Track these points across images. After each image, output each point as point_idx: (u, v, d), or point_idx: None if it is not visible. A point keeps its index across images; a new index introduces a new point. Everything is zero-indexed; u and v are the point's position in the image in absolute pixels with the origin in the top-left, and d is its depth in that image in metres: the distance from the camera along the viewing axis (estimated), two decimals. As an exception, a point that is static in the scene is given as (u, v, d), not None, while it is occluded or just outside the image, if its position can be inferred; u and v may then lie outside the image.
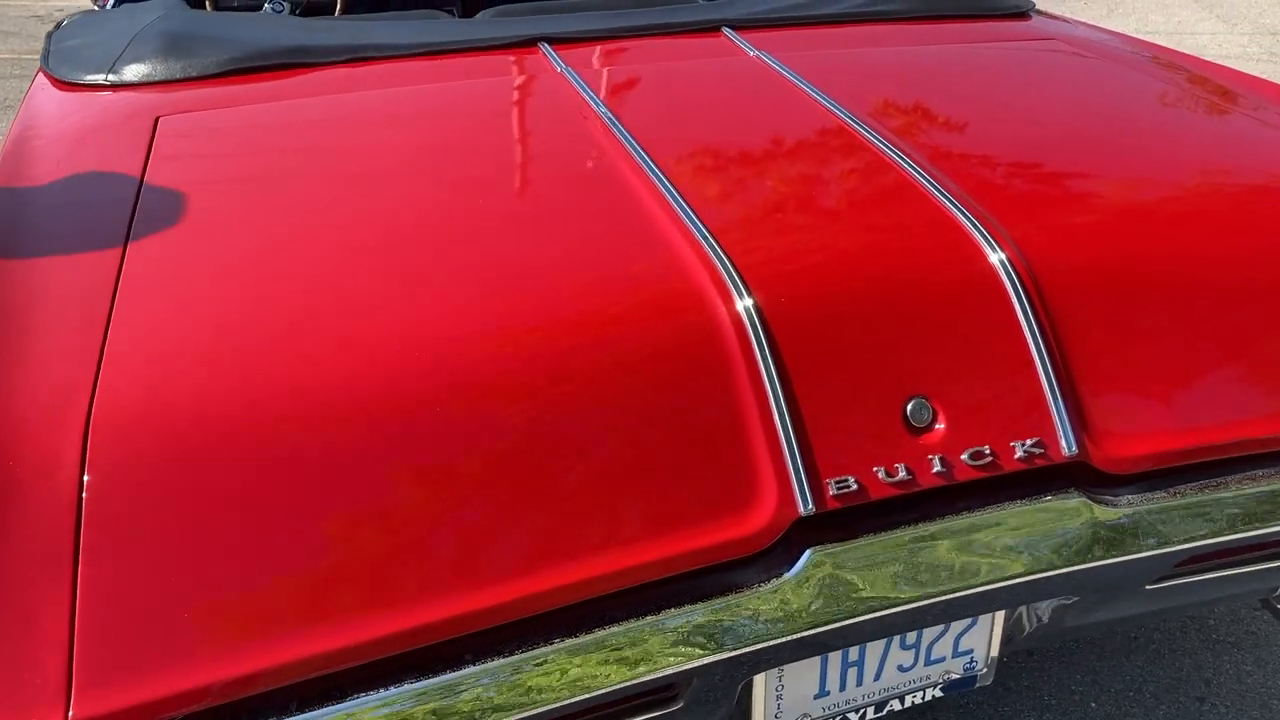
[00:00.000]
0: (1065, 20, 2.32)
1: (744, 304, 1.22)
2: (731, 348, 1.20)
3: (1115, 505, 1.28)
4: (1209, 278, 1.37)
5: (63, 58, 1.89)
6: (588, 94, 1.66)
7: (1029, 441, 1.25)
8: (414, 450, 1.09)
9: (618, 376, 1.18)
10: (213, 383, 1.11)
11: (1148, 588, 1.39)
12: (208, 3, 3.63)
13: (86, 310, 1.19)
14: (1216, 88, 1.89)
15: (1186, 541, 1.29)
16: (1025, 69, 1.94)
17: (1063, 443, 1.26)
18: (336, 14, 3.70)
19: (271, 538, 1.04)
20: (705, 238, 1.29)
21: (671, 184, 1.40)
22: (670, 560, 1.14)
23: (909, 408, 1.24)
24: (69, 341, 1.15)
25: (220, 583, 1.01)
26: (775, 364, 1.20)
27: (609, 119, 1.57)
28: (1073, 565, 1.26)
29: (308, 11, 3.77)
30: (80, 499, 1.00)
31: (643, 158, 1.46)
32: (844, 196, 1.43)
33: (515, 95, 1.74)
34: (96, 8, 3.12)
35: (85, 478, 1.01)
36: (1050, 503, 1.26)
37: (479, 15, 2.29)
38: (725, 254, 1.27)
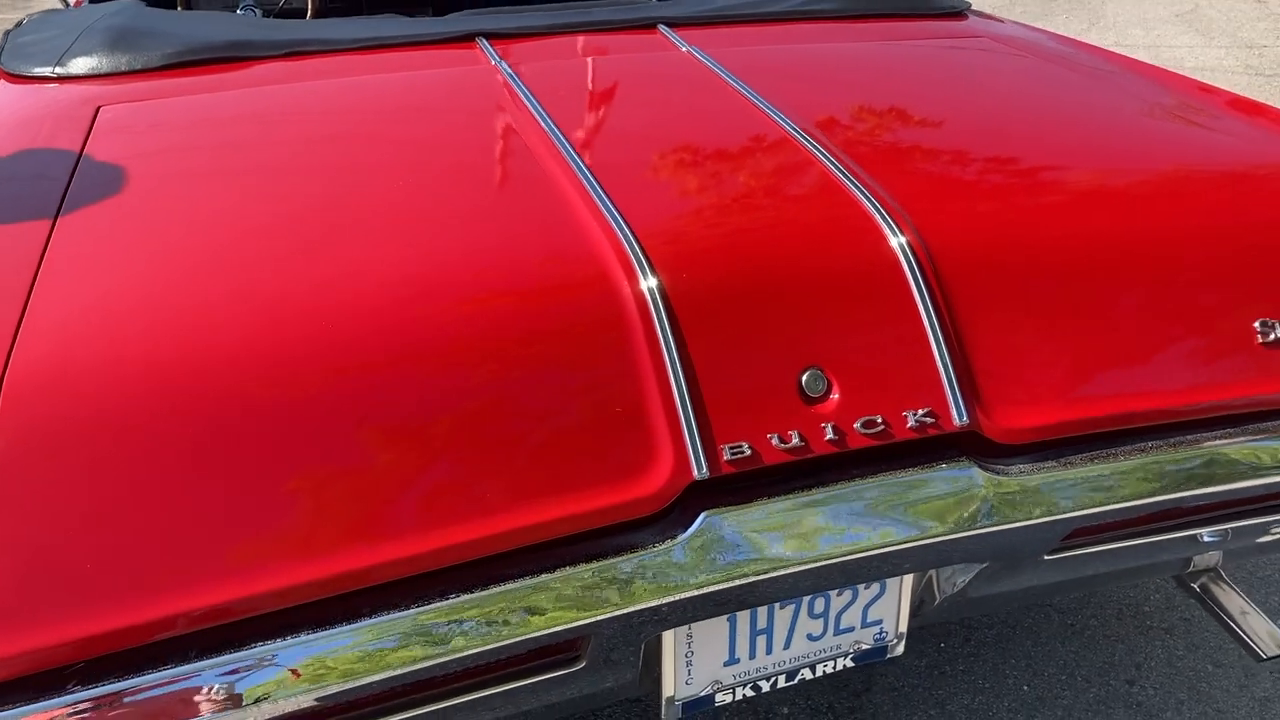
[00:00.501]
0: (999, 20, 2.38)
1: (648, 282, 1.26)
2: (633, 321, 1.25)
3: (1006, 474, 1.32)
4: (1101, 259, 1.42)
5: (14, 52, 1.95)
6: (516, 85, 1.71)
7: (921, 411, 1.30)
8: (313, 412, 1.14)
9: (524, 346, 1.22)
10: (125, 349, 1.15)
11: (1047, 558, 1.43)
12: (179, 4, 3.70)
13: (10, 281, 1.24)
14: (1138, 83, 1.95)
15: (1076, 510, 1.34)
16: (948, 64, 1.99)
17: (954, 413, 1.30)
18: (308, 18, 3.77)
19: (167, 494, 1.08)
20: (615, 219, 1.34)
21: (587, 168, 1.45)
22: (568, 519, 1.19)
23: (804, 378, 1.28)
24: None
25: (114, 537, 1.06)
26: (675, 337, 1.25)
27: (534, 108, 1.63)
28: (964, 531, 1.30)
29: (281, 16, 3.83)
30: None
31: (562, 144, 1.52)
32: (753, 181, 1.48)
33: (445, 86, 1.79)
34: (61, 6, 3.18)
35: None
36: (942, 470, 1.31)
37: (451, 16, 2.34)
38: (634, 234, 1.32)
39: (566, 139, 1.53)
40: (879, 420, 1.29)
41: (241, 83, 1.79)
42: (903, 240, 1.35)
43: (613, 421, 1.23)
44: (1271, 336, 1.42)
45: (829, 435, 1.27)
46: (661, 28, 2.02)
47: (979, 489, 1.31)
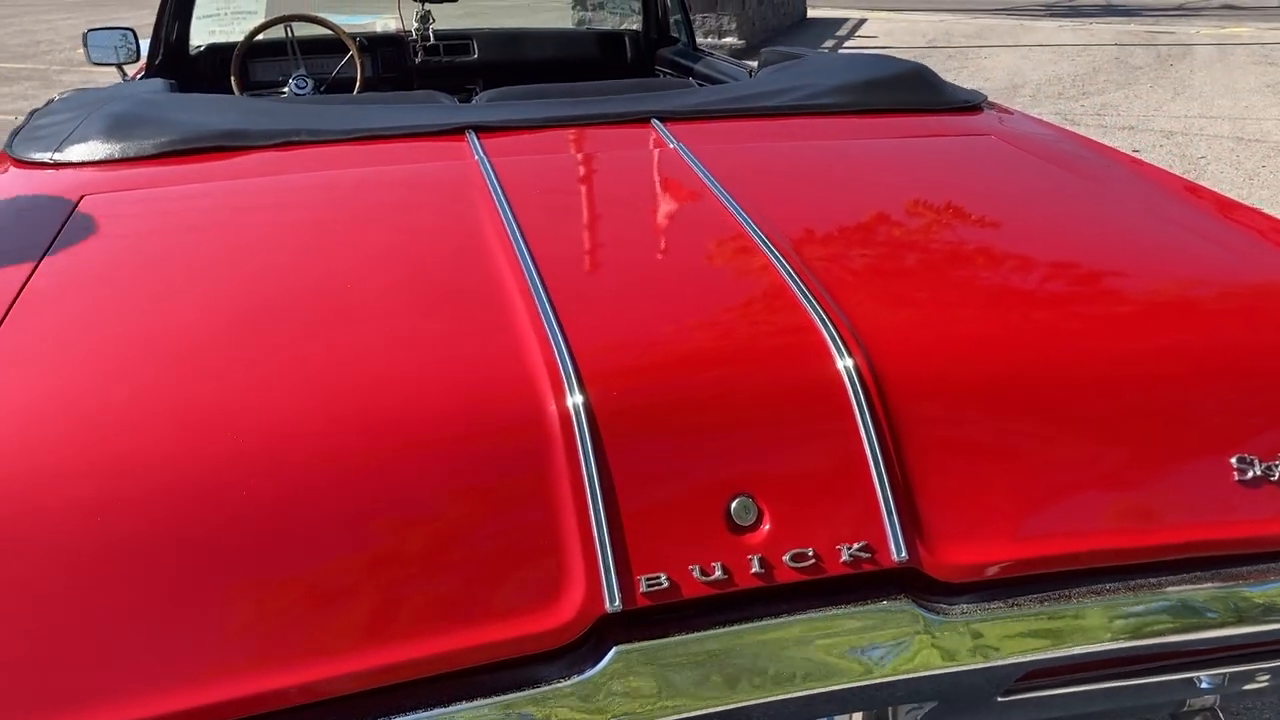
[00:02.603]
0: (1012, 114, 2.32)
1: (574, 399, 1.23)
2: (555, 440, 1.22)
3: (947, 614, 1.26)
4: (1065, 387, 1.35)
5: (24, 136, 2.00)
6: (492, 183, 1.70)
7: (856, 546, 1.24)
8: (203, 530, 1.12)
9: (436, 463, 1.19)
10: (38, 460, 1.15)
11: (1000, 700, 1.35)
12: (234, 83, 3.81)
13: None
14: (1139, 191, 1.88)
15: (1024, 654, 1.27)
16: (941, 168, 1.94)
17: (893, 548, 1.24)
18: (355, 92, 3.85)
19: (68, 614, 1.07)
20: (554, 330, 1.32)
21: (539, 275, 1.43)
22: (471, 650, 1.15)
23: (734, 506, 1.23)
24: None
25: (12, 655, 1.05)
26: (598, 457, 1.21)
27: (503, 208, 1.61)
28: (898, 675, 1.23)
29: (331, 90, 3.93)
30: None
31: (520, 248, 1.50)
32: (705, 293, 1.45)
33: (421, 183, 1.79)
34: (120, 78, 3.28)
35: None
36: (877, 609, 1.24)
37: (475, 99, 2.36)
38: (568, 347, 1.29)
39: (526, 242, 1.51)
40: (810, 554, 1.23)
41: (224, 174, 1.81)
42: (850, 363, 1.30)
43: (526, 546, 1.19)
44: (1250, 474, 1.34)
45: (755, 568, 1.22)
46: (654, 122, 2.00)
47: (917, 629, 1.24)
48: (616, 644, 1.18)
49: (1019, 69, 11.29)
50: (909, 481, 1.27)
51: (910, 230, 1.67)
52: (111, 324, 1.38)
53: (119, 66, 3.44)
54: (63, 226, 1.60)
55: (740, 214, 1.61)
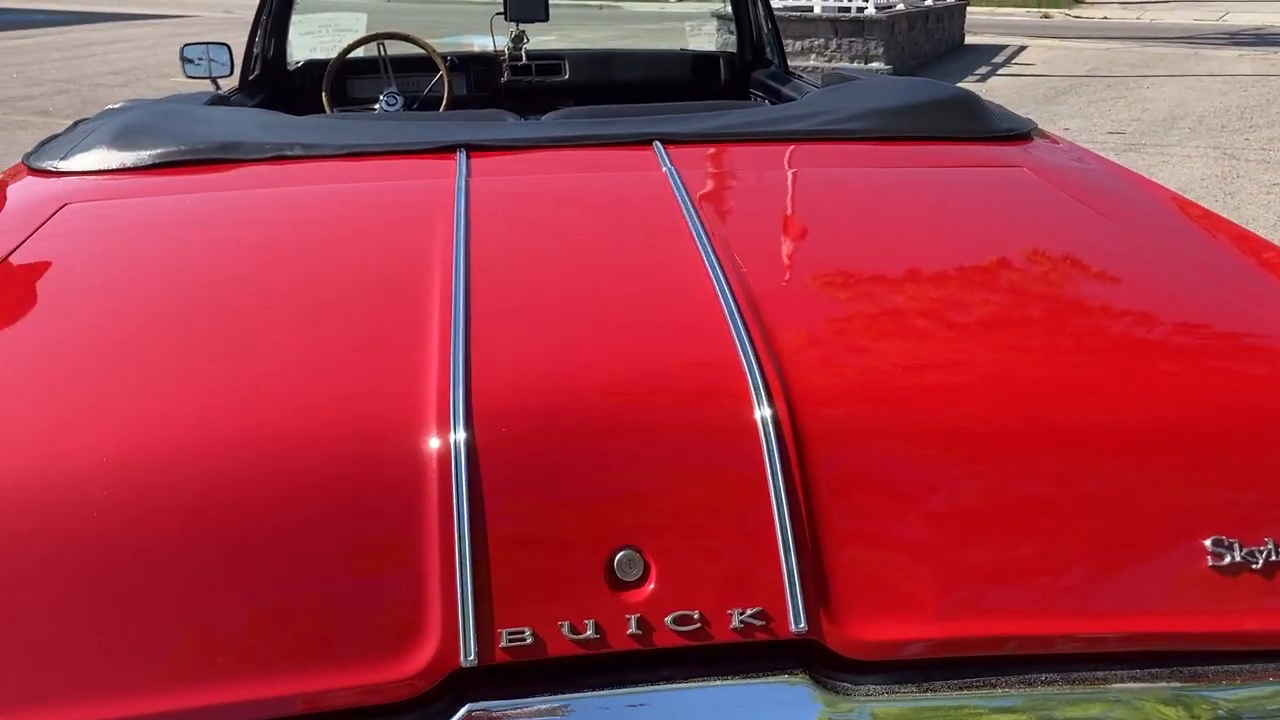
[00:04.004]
0: (1064, 146, 2.13)
1: (456, 435, 1.15)
2: (429, 477, 1.14)
3: (849, 694, 1.13)
4: (1012, 448, 1.20)
5: (46, 144, 2.05)
6: (461, 203, 1.64)
7: (749, 611, 1.12)
8: (64, 550, 1.09)
9: (300, 492, 1.13)
10: None
11: None
12: (325, 99, 3.89)
13: None
14: (1189, 244, 1.69)
15: None
16: (946, 201, 1.78)
17: (790, 616, 1.12)
18: (442, 109, 3.88)
19: None
20: (458, 359, 1.24)
21: (466, 301, 1.36)
22: (315, 695, 1.08)
23: (617, 559, 1.13)
24: None
25: None
26: (472, 497, 1.13)
27: (460, 229, 1.55)
28: None
29: (421, 108, 3.97)
30: None
31: (460, 271, 1.43)
32: (633, 326, 1.35)
33: (393, 201, 1.74)
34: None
35: None
36: (770, 682, 1.12)
37: (545, 117, 2.32)
38: (467, 379, 1.21)
39: (467, 268, 1.44)
40: (696, 616, 1.12)
41: (202, 187, 1.81)
42: (769, 413, 1.18)
43: (385, 589, 1.12)
44: (1227, 559, 1.16)
45: (632, 629, 1.11)
46: (656, 145, 1.91)
47: (811, 708, 1.11)
48: (469, 702, 1.10)
49: (1183, 99, 10.73)
50: (818, 545, 1.15)
51: (884, 269, 1.53)
52: (15, 331, 1.37)
53: (213, 80, 3.54)
54: (32, 233, 1.62)
55: (704, 245, 1.50)
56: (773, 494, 1.15)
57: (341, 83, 3.98)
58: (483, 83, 4.16)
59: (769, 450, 1.16)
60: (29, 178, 1.91)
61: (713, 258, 1.46)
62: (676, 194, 1.69)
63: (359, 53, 4.00)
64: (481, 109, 3.58)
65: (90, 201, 1.74)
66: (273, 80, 3.75)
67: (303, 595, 1.10)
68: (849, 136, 1.99)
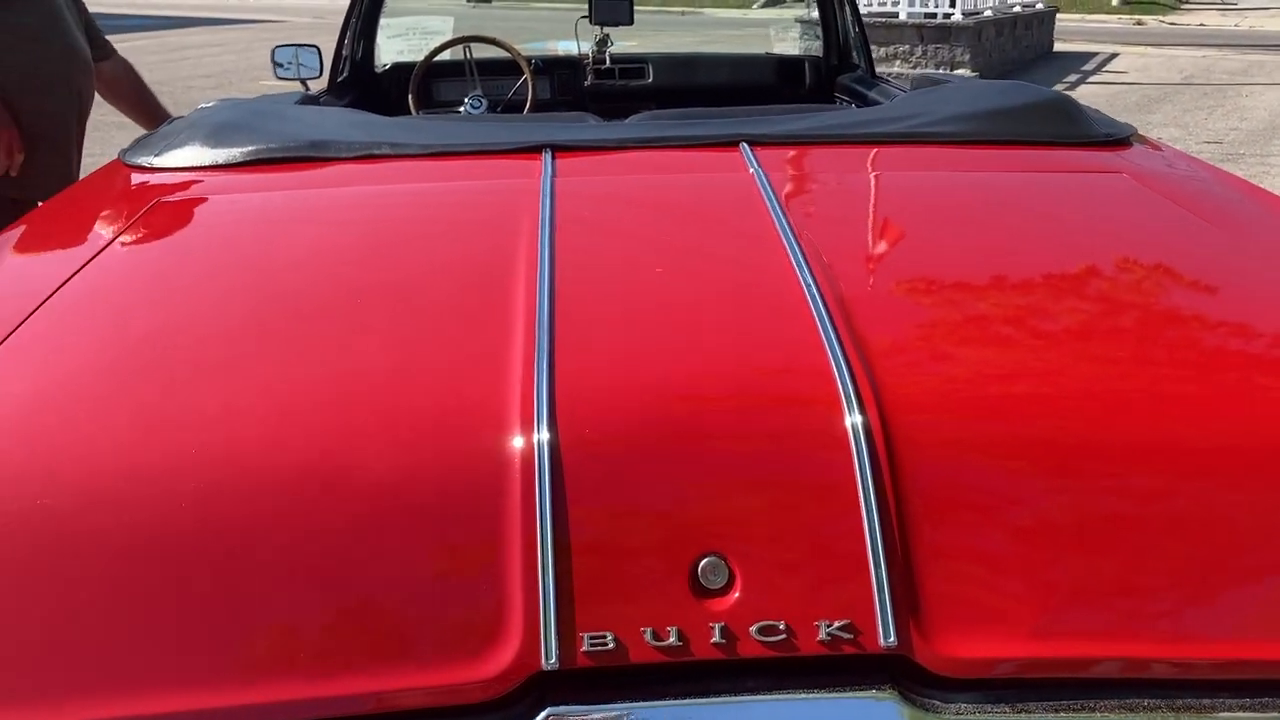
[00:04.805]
0: (1167, 152, 2.06)
1: (540, 435, 1.14)
2: (512, 478, 1.13)
3: (939, 712, 1.09)
4: (1114, 466, 1.15)
5: (140, 142, 2.09)
6: (546, 203, 1.63)
7: (836, 623, 1.09)
8: (155, 543, 1.10)
9: (382, 488, 1.13)
10: (30, 448, 1.16)
11: None
12: (411, 101, 3.93)
13: None
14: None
15: None
16: (1043, 207, 1.73)
17: (879, 630, 1.08)
18: (526, 111, 3.89)
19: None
20: (542, 360, 1.23)
21: (551, 300, 1.35)
22: (394, 693, 1.08)
23: (701, 566, 1.11)
24: None
25: None
26: (555, 499, 1.11)
27: (545, 228, 1.54)
28: None
29: (505, 110, 3.99)
30: None
31: (545, 269, 1.42)
32: (721, 329, 1.32)
33: (478, 201, 1.74)
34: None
35: None
36: (857, 697, 1.09)
37: (630, 119, 2.32)
38: (550, 379, 1.20)
39: (552, 267, 1.43)
40: (782, 627, 1.09)
41: (293, 184, 1.82)
42: (859, 420, 1.14)
43: (467, 589, 1.11)
44: (1339, 586, 1.11)
45: (716, 638, 1.09)
46: (743, 146, 1.88)
47: None
48: (550, 705, 1.08)
49: (1285, 109, 10.39)
50: (908, 557, 1.11)
51: (978, 277, 1.49)
52: (109, 324, 1.39)
53: (302, 82, 3.60)
54: (125, 228, 1.65)
55: (792, 248, 1.47)
56: (863, 504, 1.12)
57: (427, 85, 4.01)
58: (566, 86, 4.18)
59: (859, 459, 1.13)
60: (124, 173, 1.95)
61: (801, 261, 1.44)
62: (764, 196, 1.66)
63: (444, 56, 4.04)
64: (566, 111, 3.59)
65: (183, 198, 1.77)
66: (361, 82, 3.80)
67: (385, 594, 1.10)
68: (941, 140, 1.94)
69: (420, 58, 4.00)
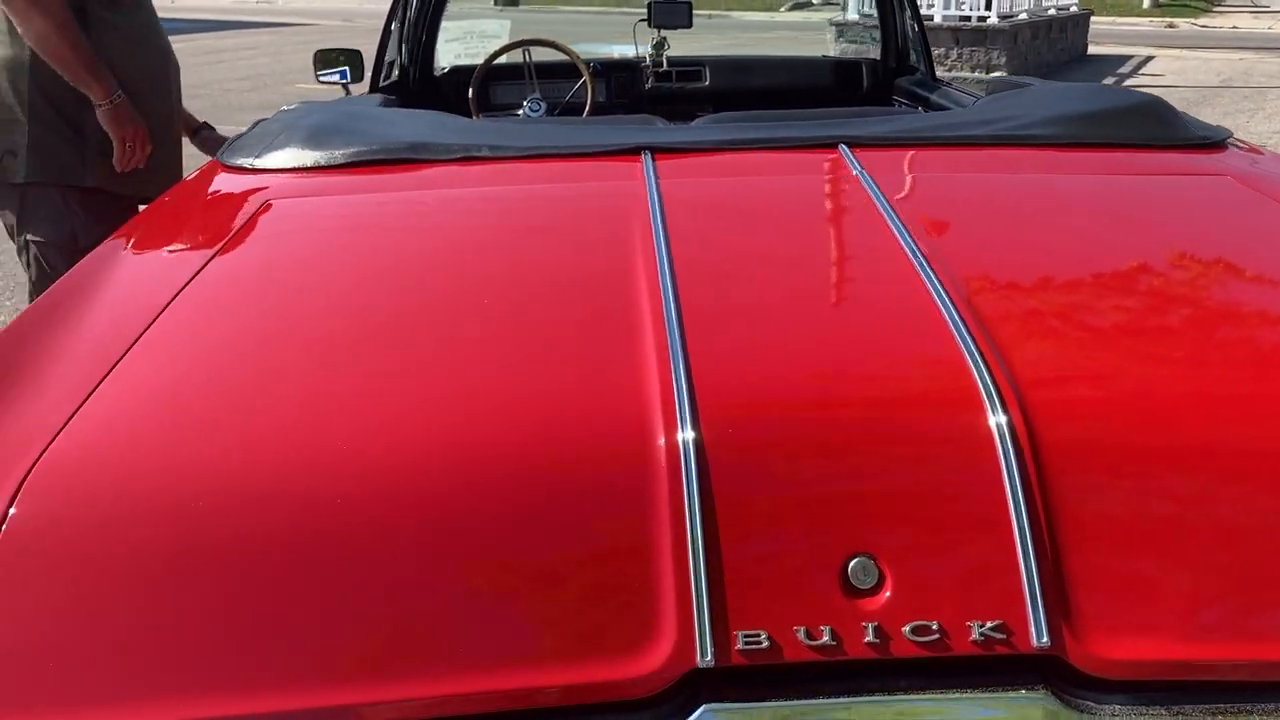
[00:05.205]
0: (1267, 156, 2.05)
1: (685, 435, 1.14)
2: (659, 478, 1.14)
3: (1094, 713, 1.09)
4: (1261, 470, 1.15)
5: (235, 144, 2.11)
6: (655, 204, 1.64)
7: (990, 624, 1.09)
8: (309, 538, 1.11)
9: (528, 486, 1.14)
10: (159, 458, 1.17)
11: None
12: (471, 103, 3.94)
13: (89, 368, 1.30)
14: None
15: None
16: (1153, 209, 1.72)
17: (1033, 631, 1.09)
18: (585, 115, 3.90)
19: (144, 615, 1.08)
20: (677, 361, 1.24)
21: (676, 299, 1.36)
22: (550, 690, 1.09)
23: (851, 566, 1.11)
24: (58, 394, 1.26)
25: (87, 646, 1.06)
26: (703, 498, 1.12)
27: (658, 230, 1.55)
28: None
29: (563, 114, 4.00)
30: None
31: (665, 269, 1.43)
32: (851, 330, 1.33)
33: (586, 202, 1.76)
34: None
35: (5, 523, 1.09)
36: (1010, 697, 1.09)
37: (695, 121, 2.32)
38: (688, 380, 1.20)
39: (671, 267, 1.44)
40: (935, 627, 1.10)
41: (400, 185, 1.84)
42: (1003, 419, 1.15)
43: (618, 587, 1.12)
44: None
45: (869, 637, 1.09)
46: (842, 148, 1.89)
47: None
48: (706, 702, 1.09)
49: (1326, 112, 10.30)
50: (1059, 557, 1.11)
51: (1102, 277, 1.49)
52: (254, 324, 1.41)
53: (344, 85, 3.61)
54: (241, 227, 1.67)
55: (911, 247, 1.48)
56: (1010, 504, 1.12)
57: (484, 88, 4.03)
58: (623, 89, 4.19)
59: (1005, 459, 1.13)
60: (227, 174, 1.97)
61: (923, 262, 1.44)
62: (873, 197, 1.66)
63: (501, 60, 4.05)
64: (627, 114, 3.60)
65: (292, 198, 1.79)
66: (406, 85, 3.82)
67: (539, 592, 1.11)
68: (1039, 142, 1.95)
69: (477, 60, 4.02)
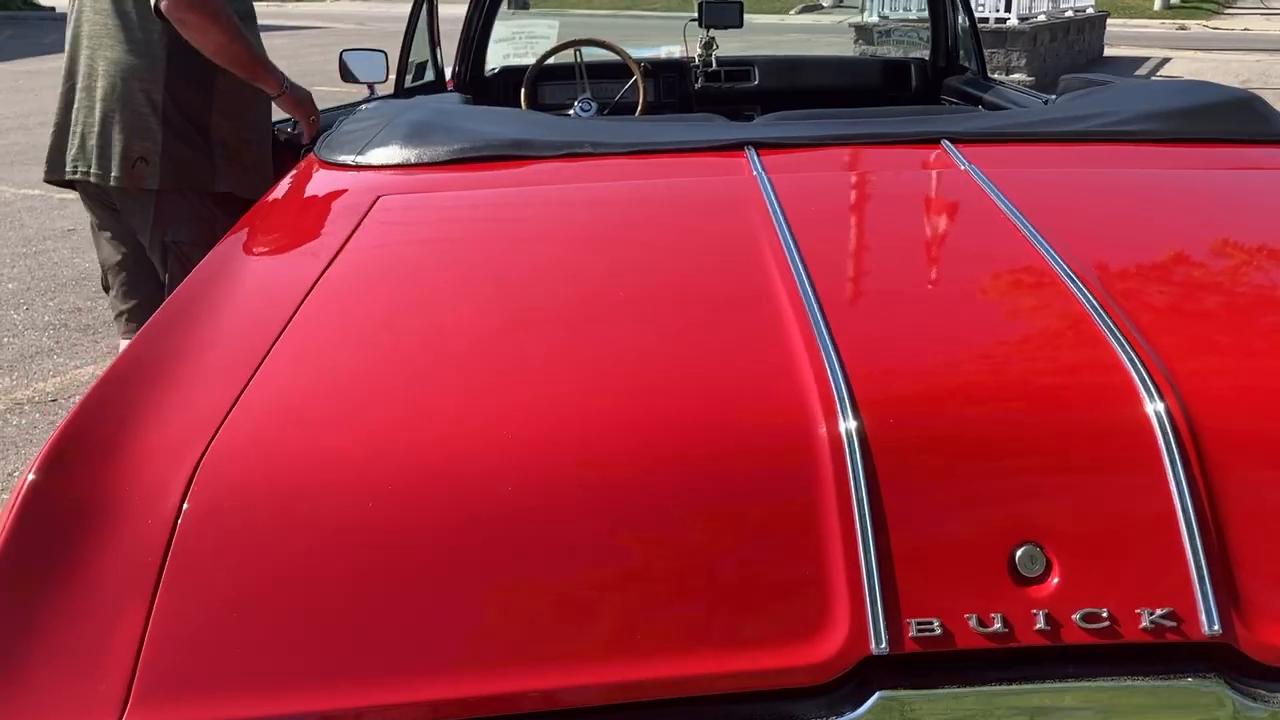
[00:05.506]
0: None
1: (846, 424, 1.15)
2: (824, 465, 1.15)
3: (1267, 701, 1.09)
4: None
5: (329, 141, 2.13)
6: (771, 199, 1.65)
7: (1160, 611, 1.10)
8: (480, 526, 1.12)
9: (697, 478, 1.15)
10: (327, 442, 1.19)
11: None
12: (523, 103, 3.96)
13: (240, 360, 1.31)
14: None
15: None
16: (1266, 203, 1.73)
17: (1204, 618, 1.09)
18: (637, 114, 3.92)
19: (335, 594, 1.09)
20: (827, 350, 1.25)
21: (815, 292, 1.37)
22: (722, 677, 1.09)
23: (1019, 554, 1.12)
24: (214, 385, 1.27)
25: (278, 627, 1.07)
26: (869, 487, 1.13)
27: (780, 224, 1.56)
28: None
29: (613, 113, 4.02)
30: (174, 531, 1.10)
31: (796, 265, 1.44)
32: (995, 321, 1.34)
33: (698, 196, 1.77)
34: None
35: (183, 510, 1.11)
36: (1181, 685, 1.10)
37: (757, 119, 2.34)
38: (843, 369, 1.21)
39: (801, 259, 1.45)
40: (1105, 614, 1.10)
41: (512, 181, 1.85)
42: (1160, 407, 1.16)
43: (788, 575, 1.13)
44: None
45: (1040, 624, 1.10)
46: (945, 143, 1.90)
47: (1227, 715, 1.09)
48: (880, 689, 1.10)
49: (1346, 113, 10.28)
50: (1225, 545, 1.12)
51: (1233, 267, 1.50)
52: (397, 315, 1.42)
53: (369, 85, 3.61)
54: (360, 222, 1.68)
55: (1038, 241, 1.49)
56: (1175, 492, 1.13)
57: (534, 88, 4.05)
58: (672, 89, 4.20)
59: (1166, 447, 1.14)
60: (331, 170, 1.98)
61: (1050, 253, 1.45)
62: (987, 191, 1.67)
63: (553, 60, 4.07)
64: (679, 114, 3.61)
65: (405, 194, 1.80)
66: (470, 85, 3.83)
67: (712, 580, 1.12)
68: (1138, 137, 1.96)
69: (525, 60, 4.04)
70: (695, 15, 4.10)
